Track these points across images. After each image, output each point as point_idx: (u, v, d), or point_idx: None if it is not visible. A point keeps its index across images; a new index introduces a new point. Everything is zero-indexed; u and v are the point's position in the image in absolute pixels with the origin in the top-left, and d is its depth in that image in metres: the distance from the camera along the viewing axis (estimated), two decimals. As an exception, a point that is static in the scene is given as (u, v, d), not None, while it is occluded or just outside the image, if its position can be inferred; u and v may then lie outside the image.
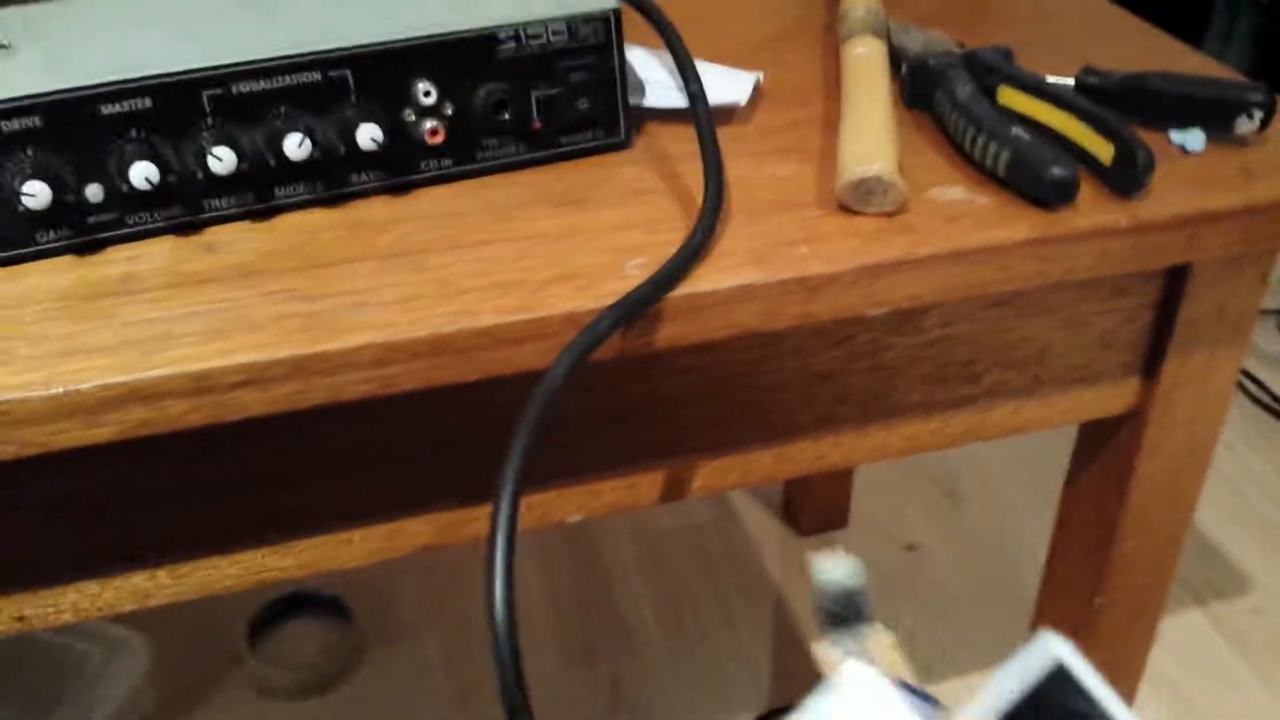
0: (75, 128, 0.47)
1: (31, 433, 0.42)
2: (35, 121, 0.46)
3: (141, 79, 0.47)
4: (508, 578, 0.38)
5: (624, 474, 0.58)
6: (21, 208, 0.47)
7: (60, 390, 0.42)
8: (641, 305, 0.46)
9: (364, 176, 0.53)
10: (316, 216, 0.52)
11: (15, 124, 0.46)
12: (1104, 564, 0.72)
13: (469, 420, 0.54)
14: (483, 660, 1.22)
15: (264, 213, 0.52)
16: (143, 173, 0.47)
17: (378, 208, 0.53)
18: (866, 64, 0.60)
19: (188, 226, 0.51)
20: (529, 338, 0.46)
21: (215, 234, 0.51)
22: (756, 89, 0.63)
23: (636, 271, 0.49)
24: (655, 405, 0.56)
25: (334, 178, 0.53)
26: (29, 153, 0.47)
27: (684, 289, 0.48)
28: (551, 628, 1.26)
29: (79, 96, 0.47)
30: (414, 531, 0.56)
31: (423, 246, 0.50)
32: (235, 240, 0.51)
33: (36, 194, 0.46)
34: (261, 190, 0.51)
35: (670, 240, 0.51)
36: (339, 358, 0.44)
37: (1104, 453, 0.69)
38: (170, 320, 0.45)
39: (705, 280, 0.48)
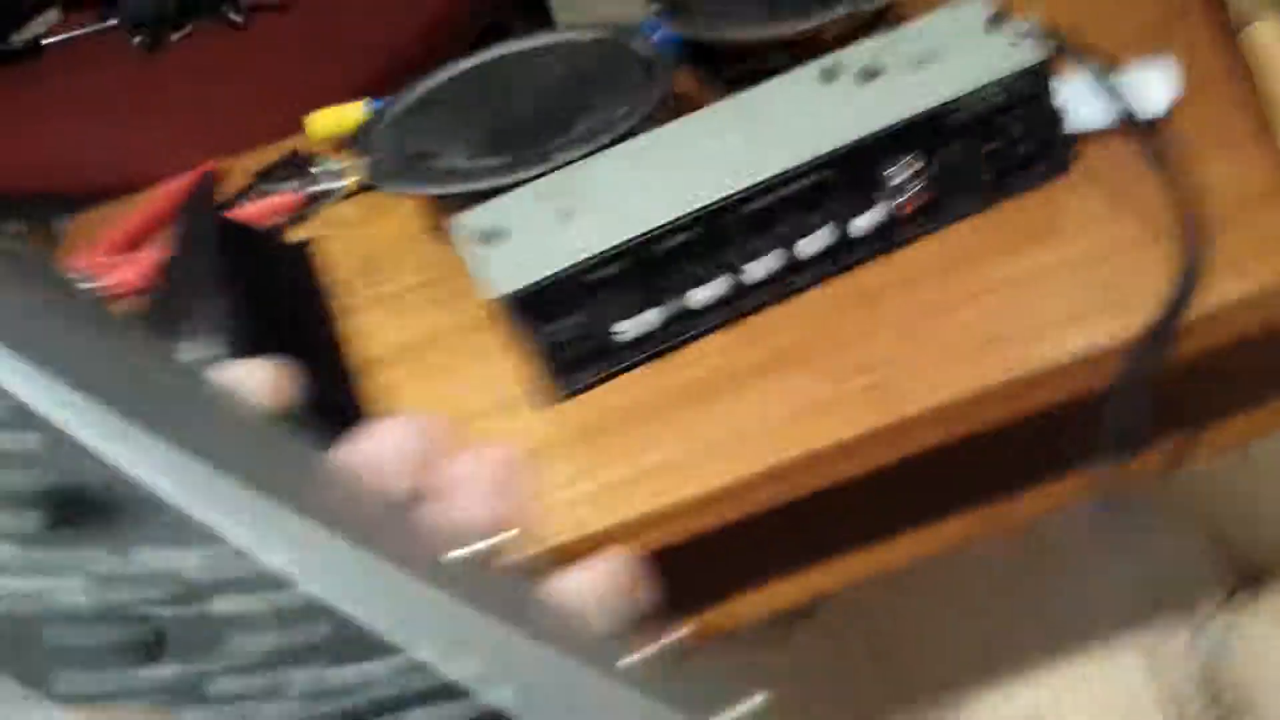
0: (641, 267, 0.58)
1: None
2: (614, 268, 0.57)
3: (689, 213, 0.57)
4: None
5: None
6: (613, 340, 0.58)
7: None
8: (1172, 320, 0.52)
9: (855, 253, 0.61)
10: (826, 293, 0.61)
11: (599, 274, 0.57)
12: None
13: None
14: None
15: (778, 299, 0.61)
16: (703, 295, 0.57)
17: (871, 276, 0.61)
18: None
19: (729, 323, 0.61)
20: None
21: (752, 324, 0.61)
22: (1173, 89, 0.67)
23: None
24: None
25: (832, 260, 0.61)
26: (607, 295, 0.58)
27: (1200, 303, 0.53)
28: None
29: (644, 239, 0.57)
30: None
31: (932, 308, 0.58)
32: (774, 326, 0.60)
33: (627, 330, 0.57)
34: (782, 283, 0.60)
35: (1150, 255, 0.56)
36: (915, 421, 0.53)
37: None
38: (765, 407, 0.55)
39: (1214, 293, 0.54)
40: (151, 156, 0.95)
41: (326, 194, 0.83)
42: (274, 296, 0.67)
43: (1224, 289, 0.54)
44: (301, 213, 0.82)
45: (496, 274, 0.57)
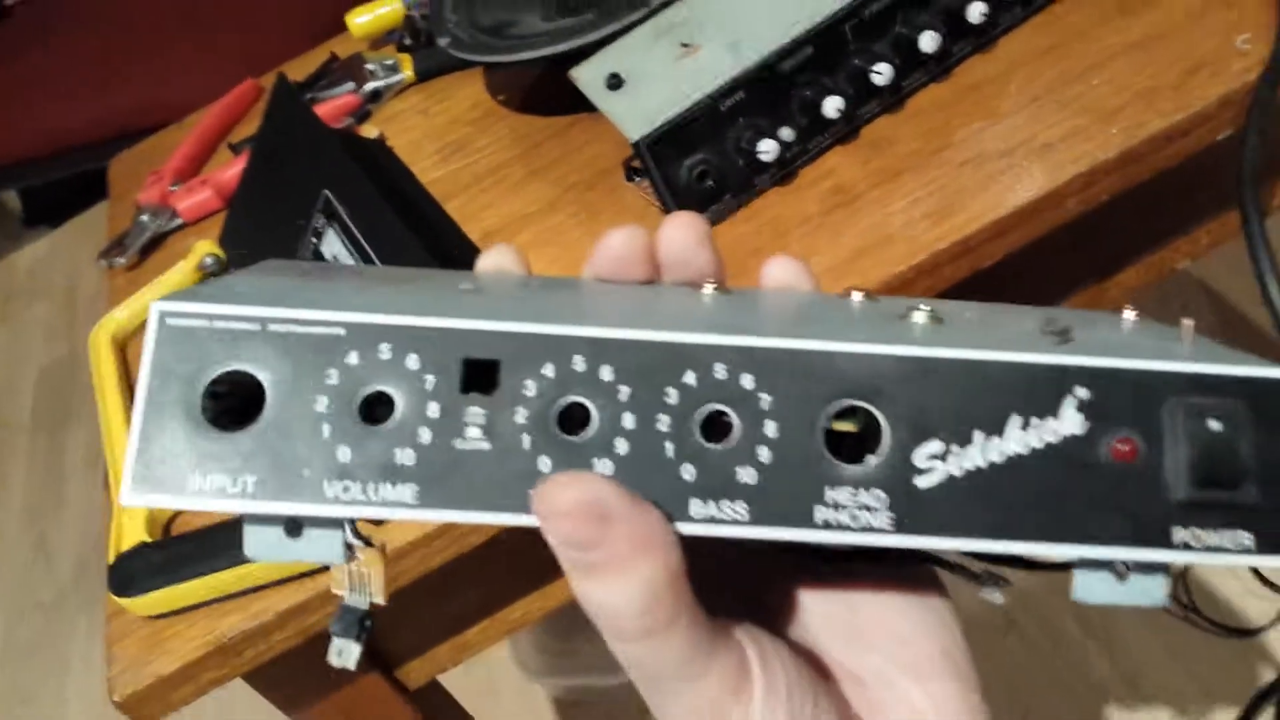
0: (767, 88, 0.59)
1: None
2: (740, 95, 0.58)
3: (804, 33, 0.58)
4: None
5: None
6: (746, 163, 0.59)
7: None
8: (1281, 70, 0.55)
9: (960, 46, 0.63)
10: (935, 94, 0.63)
11: (728, 101, 0.58)
12: None
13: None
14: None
15: (894, 104, 0.63)
16: (834, 105, 0.59)
17: (976, 70, 0.63)
18: None
19: (848, 135, 0.62)
20: (1192, 129, 0.56)
21: (869, 134, 0.62)
22: None
23: (1247, 47, 0.57)
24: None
25: (940, 58, 0.63)
26: (740, 120, 0.59)
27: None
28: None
29: (764, 62, 0.58)
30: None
31: (1048, 87, 0.60)
32: (889, 134, 0.62)
33: (769, 150, 0.58)
34: (894, 87, 0.62)
35: (1249, 11, 0.59)
36: (1057, 194, 0.55)
37: None
38: (903, 210, 0.58)
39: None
40: (183, 85, 0.94)
41: (382, 91, 0.83)
42: (391, 190, 0.67)
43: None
44: (363, 111, 0.82)
45: (629, 118, 0.58)
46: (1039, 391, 0.27)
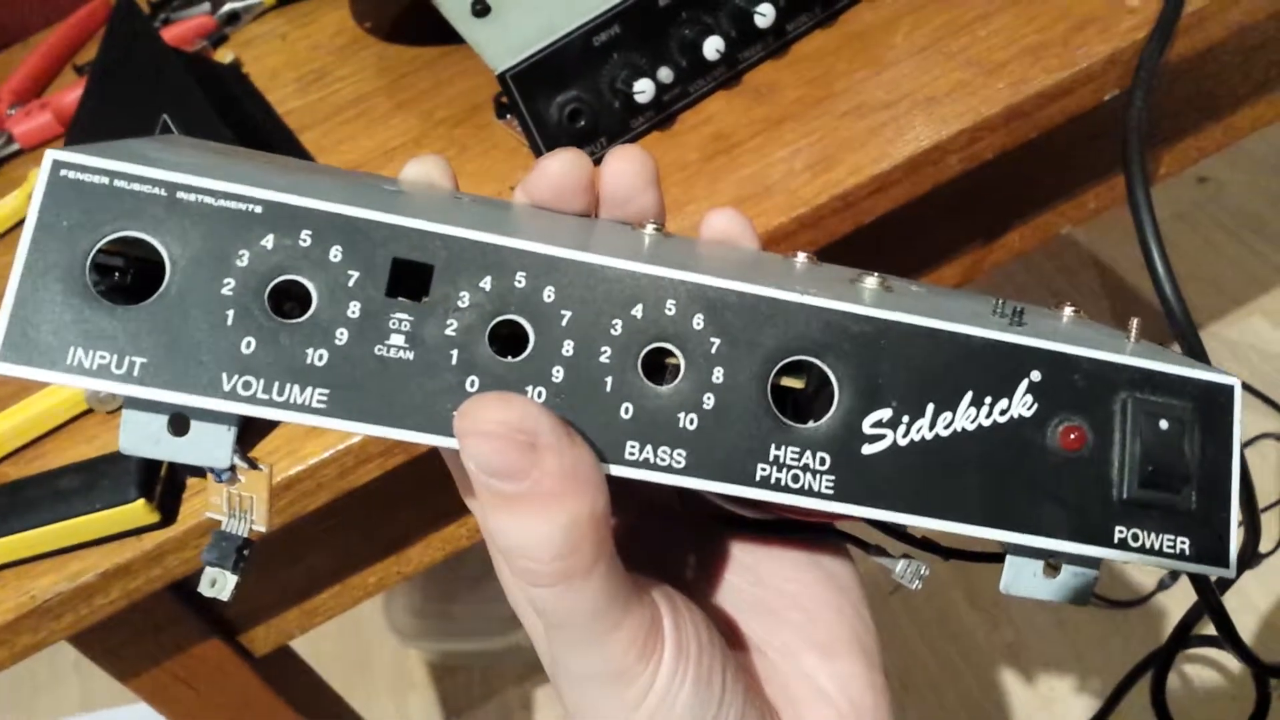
0: (645, 23, 0.55)
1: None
2: (616, 29, 0.55)
3: (686, -35, 0.55)
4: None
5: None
6: (621, 104, 0.56)
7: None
8: (1169, 29, 0.54)
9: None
10: (820, 40, 0.60)
11: (602, 36, 0.55)
12: None
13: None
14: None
15: (778, 49, 0.60)
16: (714, 46, 0.56)
17: (863, 16, 0.61)
18: None
19: (730, 80, 0.59)
20: (1077, 87, 0.55)
21: (751, 79, 0.59)
22: None
23: (1136, 3, 0.56)
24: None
25: (826, 2, 0.60)
26: (615, 57, 0.55)
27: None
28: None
29: (644, -3, 0.55)
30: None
31: (934, 36, 0.58)
32: (772, 79, 0.59)
33: (645, 91, 0.55)
34: (778, 30, 0.59)
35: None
36: (940, 149, 0.53)
37: None
38: (784, 160, 0.55)
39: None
40: (29, 2, 0.86)
41: (240, 13, 0.77)
42: (239, 119, 0.62)
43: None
44: (219, 35, 0.76)
45: (494, 48, 0.54)
46: (996, 369, 0.26)
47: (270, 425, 0.51)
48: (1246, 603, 1.18)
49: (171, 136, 0.33)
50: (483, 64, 0.54)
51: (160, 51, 0.62)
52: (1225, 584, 0.53)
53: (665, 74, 0.56)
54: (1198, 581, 0.50)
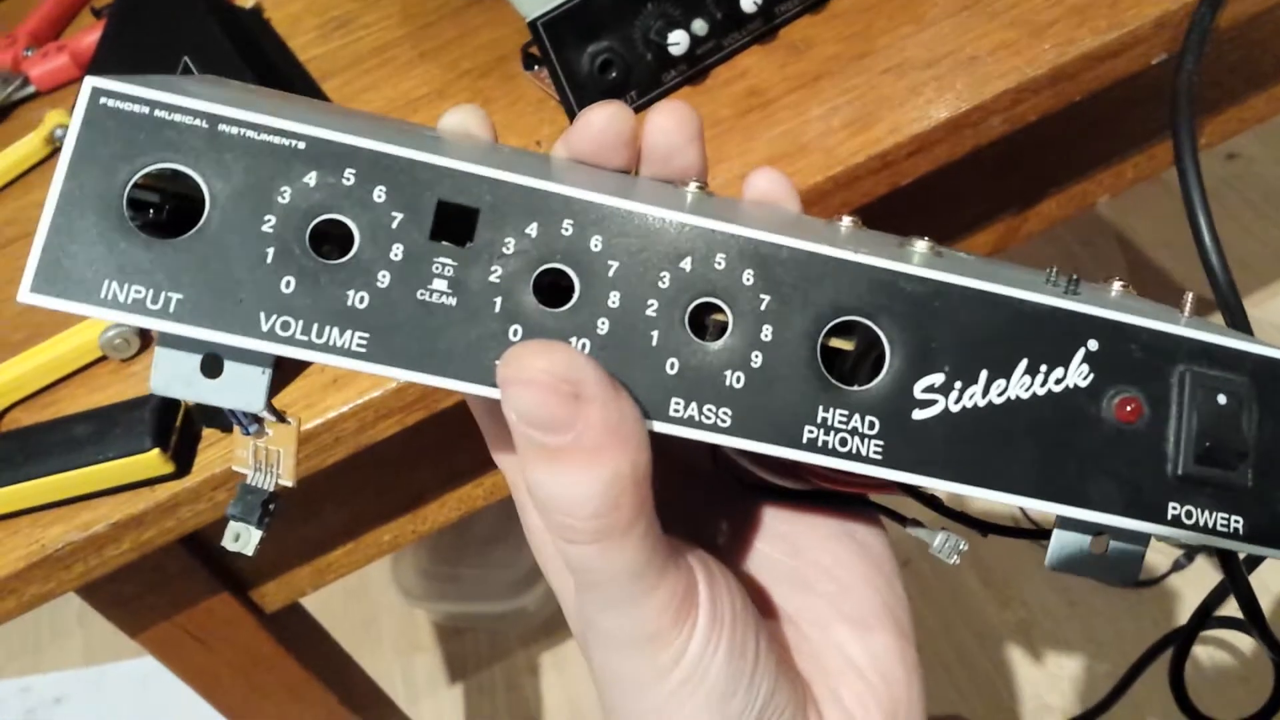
0: (680, -27, 0.54)
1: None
2: (652, -23, 0.53)
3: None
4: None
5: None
6: (654, 56, 0.54)
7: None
8: (1223, -9, 0.52)
9: (889, -54, 0.58)
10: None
11: (638, -16, 0.53)
12: None
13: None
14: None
15: (816, 3, 0.58)
16: (754, -4, 0.54)
17: (904, -28, 0.59)
18: None
19: (766, 35, 0.58)
20: (1124, 49, 0.53)
21: (787, 34, 0.58)
22: None
23: (1191, -37, 0.54)
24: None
25: (866, -45, 0.58)
26: (649, 7, 0.54)
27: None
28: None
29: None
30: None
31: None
32: (809, 35, 0.57)
33: (679, 43, 0.53)
34: (818, -15, 0.57)
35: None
36: (983, 109, 0.52)
37: None
38: (821, 117, 0.53)
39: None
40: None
41: (262, -43, 0.75)
42: (262, 64, 0.60)
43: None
44: (239, -20, 0.74)
45: (526, -4, 0.52)
46: (1052, 337, 0.25)
47: (291, 376, 0.50)
48: (1259, 584, 1.17)
49: (201, 75, 0.32)
50: (510, 14, 0.53)
51: (181, -7, 0.60)
52: (1253, 565, 0.52)
53: (700, 26, 0.54)
54: (1227, 562, 0.49)
